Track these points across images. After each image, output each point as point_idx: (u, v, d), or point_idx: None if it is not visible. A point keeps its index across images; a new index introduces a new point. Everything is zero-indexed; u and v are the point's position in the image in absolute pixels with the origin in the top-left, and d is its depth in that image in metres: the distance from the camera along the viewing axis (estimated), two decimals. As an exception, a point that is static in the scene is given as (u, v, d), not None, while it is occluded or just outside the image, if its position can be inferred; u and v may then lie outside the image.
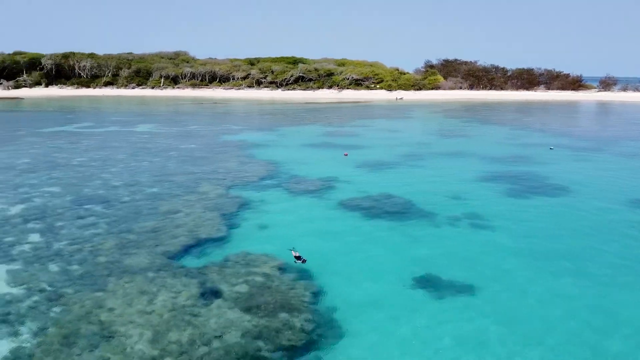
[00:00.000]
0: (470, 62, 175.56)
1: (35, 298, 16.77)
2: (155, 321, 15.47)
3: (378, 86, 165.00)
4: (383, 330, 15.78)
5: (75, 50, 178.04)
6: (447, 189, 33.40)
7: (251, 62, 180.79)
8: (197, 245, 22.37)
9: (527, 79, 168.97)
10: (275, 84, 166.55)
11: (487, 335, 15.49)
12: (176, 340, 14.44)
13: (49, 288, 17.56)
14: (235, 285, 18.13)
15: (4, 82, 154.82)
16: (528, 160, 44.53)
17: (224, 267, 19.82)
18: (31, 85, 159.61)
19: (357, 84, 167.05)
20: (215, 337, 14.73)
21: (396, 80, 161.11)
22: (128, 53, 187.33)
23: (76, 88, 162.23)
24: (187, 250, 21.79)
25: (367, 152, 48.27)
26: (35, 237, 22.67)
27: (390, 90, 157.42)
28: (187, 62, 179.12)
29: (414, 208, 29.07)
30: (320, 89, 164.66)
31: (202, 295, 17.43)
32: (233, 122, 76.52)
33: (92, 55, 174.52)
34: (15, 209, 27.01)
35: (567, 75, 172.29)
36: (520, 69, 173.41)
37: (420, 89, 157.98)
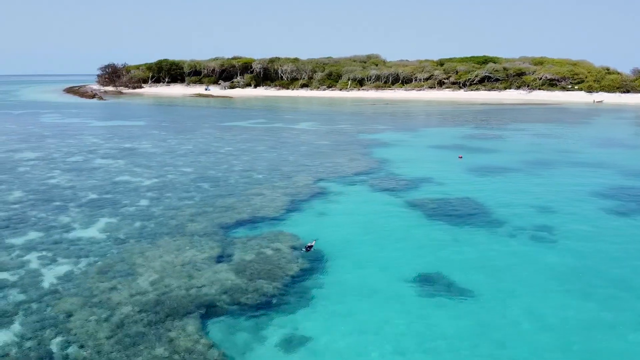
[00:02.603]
0: None
1: (107, 242, 22.76)
2: (167, 269, 19.82)
3: (576, 87, 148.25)
4: (344, 315, 16.83)
5: (281, 56, 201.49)
6: (541, 200, 31.05)
7: (440, 63, 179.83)
8: (250, 221, 26.27)
9: None
10: (458, 85, 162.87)
11: (443, 342, 15.32)
12: (168, 284, 18.50)
13: (121, 237, 23.47)
14: (246, 254, 21.46)
15: (222, 83, 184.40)
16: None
17: (251, 239, 23.29)
18: (243, 86, 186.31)
19: (551, 84, 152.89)
20: (197, 287, 18.34)
21: (598, 81, 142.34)
22: (327, 57, 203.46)
23: (277, 89, 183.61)
24: (239, 224, 25.84)
25: (490, 157, 46.28)
26: (143, 202, 29.50)
27: (590, 92, 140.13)
28: (376, 64, 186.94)
29: (483, 214, 28.21)
30: (507, 90, 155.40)
31: (217, 257, 21.21)
32: (383, 123, 79.25)
33: (294, 60, 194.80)
34: (149, 182, 34.85)
35: None
36: None
37: (627, 91, 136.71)
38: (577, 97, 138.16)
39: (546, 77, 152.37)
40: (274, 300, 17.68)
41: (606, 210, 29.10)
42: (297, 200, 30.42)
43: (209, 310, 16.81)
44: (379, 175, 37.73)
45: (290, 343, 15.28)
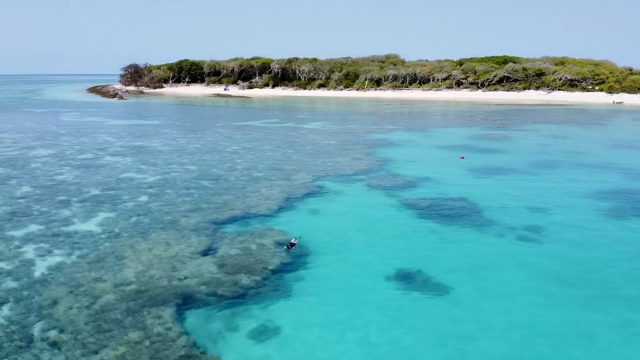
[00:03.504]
0: None
1: (102, 235, 23.80)
2: (153, 261, 20.69)
3: (597, 88, 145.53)
4: (317, 307, 17.45)
5: (300, 56, 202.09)
6: (535, 201, 31.08)
7: (460, 63, 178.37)
8: (241, 217, 27.04)
9: None
10: (476, 85, 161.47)
11: (411, 335, 15.84)
12: (151, 275, 19.36)
13: (116, 231, 24.48)
14: (231, 249, 22.22)
15: (241, 83, 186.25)
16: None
17: (239, 235, 24.04)
18: (261, 87, 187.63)
19: (571, 84, 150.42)
20: (178, 278, 19.16)
21: (620, 81, 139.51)
22: (345, 57, 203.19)
23: (295, 89, 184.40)
24: (231, 220, 26.63)
25: (493, 157, 46.20)
26: (143, 198, 30.53)
27: (610, 93, 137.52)
28: (395, 64, 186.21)
29: (474, 214, 28.42)
30: (527, 90, 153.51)
31: (203, 251, 22.00)
32: (394, 123, 79.37)
33: (312, 60, 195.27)
34: (152, 179, 35.94)
35: None
36: None
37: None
38: (597, 98, 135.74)
39: (566, 77, 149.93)
40: (251, 292, 18.38)
41: (600, 212, 28.99)
42: (291, 198, 31.08)
43: (186, 301, 17.59)
44: (378, 174, 38.13)
45: (262, 333, 15.93)
